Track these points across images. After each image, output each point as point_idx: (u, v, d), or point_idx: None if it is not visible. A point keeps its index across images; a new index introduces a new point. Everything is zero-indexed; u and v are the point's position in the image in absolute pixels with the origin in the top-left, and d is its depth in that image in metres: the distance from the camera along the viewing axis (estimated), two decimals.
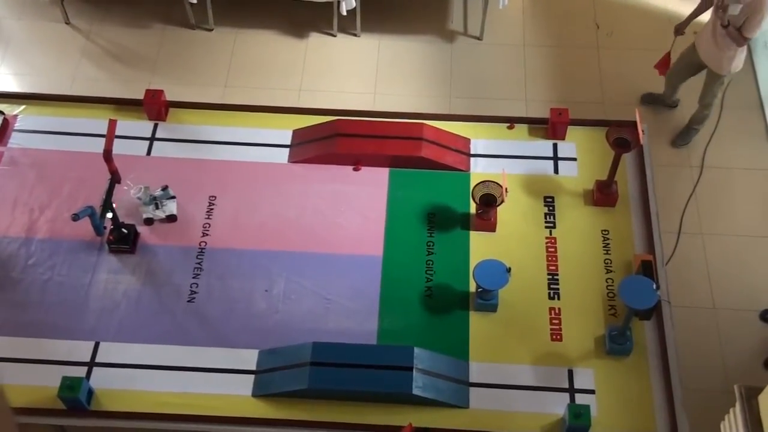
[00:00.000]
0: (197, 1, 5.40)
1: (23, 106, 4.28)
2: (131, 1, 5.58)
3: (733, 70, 4.62)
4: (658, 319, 3.61)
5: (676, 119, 5.20)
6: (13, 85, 5.39)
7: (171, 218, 3.88)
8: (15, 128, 4.18)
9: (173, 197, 3.90)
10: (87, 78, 5.40)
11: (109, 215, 3.66)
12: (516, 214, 3.93)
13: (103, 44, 5.62)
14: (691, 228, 4.76)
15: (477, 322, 3.64)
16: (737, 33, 4.35)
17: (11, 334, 3.54)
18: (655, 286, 3.34)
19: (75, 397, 3.31)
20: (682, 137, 5.10)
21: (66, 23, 5.70)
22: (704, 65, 4.69)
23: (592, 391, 3.47)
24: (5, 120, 4.18)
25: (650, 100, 5.23)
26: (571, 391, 3.47)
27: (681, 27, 4.74)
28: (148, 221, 3.86)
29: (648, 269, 3.56)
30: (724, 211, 4.86)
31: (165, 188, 3.90)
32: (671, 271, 4.28)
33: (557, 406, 3.42)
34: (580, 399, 3.44)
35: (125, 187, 3.88)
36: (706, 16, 4.66)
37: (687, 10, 4.84)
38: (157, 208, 3.87)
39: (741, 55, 4.55)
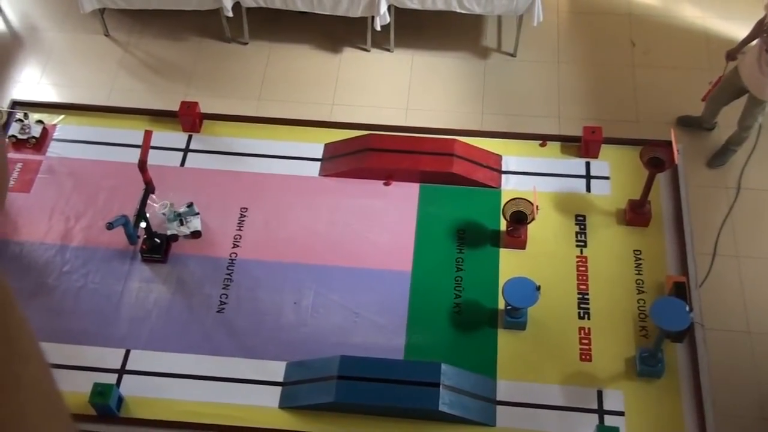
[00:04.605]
0: (233, 15, 5.47)
1: (62, 116, 4.36)
2: (168, 14, 5.67)
3: None
4: (690, 341, 3.55)
5: (713, 140, 5.13)
6: (53, 96, 5.51)
7: (195, 234, 3.90)
8: (54, 138, 4.26)
9: (197, 213, 3.92)
10: (124, 89, 5.49)
11: (143, 225, 3.71)
12: (547, 232, 3.90)
13: (140, 56, 5.72)
14: (727, 250, 4.68)
15: (505, 339, 3.62)
16: None
17: (45, 340, 3.52)
18: (688, 308, 3.29)
19: (105, 404, 3.35)
20: (719, 158, 5.03)
21: (105, 35, 5.81)
22: (746, 89, 4.62)
23: (621, 413, 3.42)
24: (44, 129, 4.26)
25: (687, 123, 5.16)
26: (600, 412, 3.43)
27: (733, 53, 4.67)
28: (173, 237, 3.89)
29: (681, 291, 3.51)
30: (761, 234, 4.78)
31: (190, 205, 3.92)
32: (705, 294, 4.20)
33: (586, 427, 3.37)
34: (610, 421, 3.39)
35: (153, 204, 3.92)
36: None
37: (726, 28, 4.78)
38: (181, 224, 3.89)
39: None
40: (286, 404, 3.46)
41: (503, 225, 3.87)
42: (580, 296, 3.72)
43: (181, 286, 3.79)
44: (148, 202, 3.72)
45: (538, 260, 3.81)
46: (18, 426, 0.77)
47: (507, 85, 5.50)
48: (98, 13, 5.70)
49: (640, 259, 3.83)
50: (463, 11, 5.31)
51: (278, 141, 4.26)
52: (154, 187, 3.72)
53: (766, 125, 5.01)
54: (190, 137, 4.27)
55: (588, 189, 4.06)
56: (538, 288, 3.50)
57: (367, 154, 4.10)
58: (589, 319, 3.66)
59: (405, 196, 4.04)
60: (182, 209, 3.90)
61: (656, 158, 3.72)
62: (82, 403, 3.37)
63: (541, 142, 4.24)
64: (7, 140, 4.16)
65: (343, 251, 3.88)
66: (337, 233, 3.94)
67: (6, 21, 5.97)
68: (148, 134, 3.66)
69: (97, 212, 3.99)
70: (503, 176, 4.10)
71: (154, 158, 3.75)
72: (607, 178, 4.09)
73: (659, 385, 3.48)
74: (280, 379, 3.52)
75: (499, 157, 4.16)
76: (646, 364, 3.48)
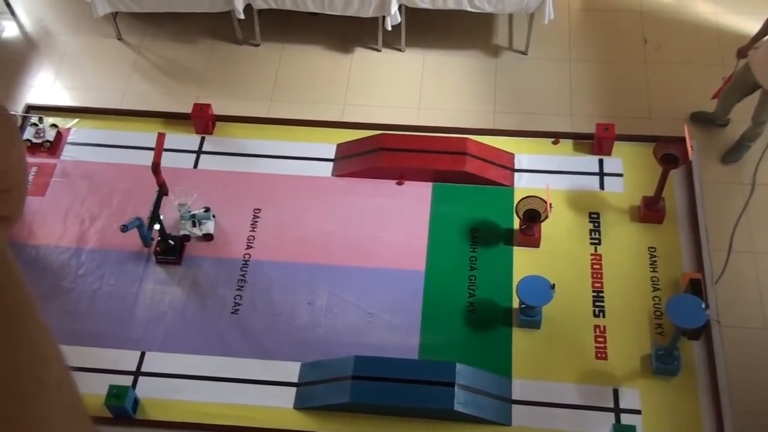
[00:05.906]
0: (245, 17, 5.49)
1: (76, 120, 4.39)
2: (180, 17, 5.70)
3: None
4: (706, 339, 3.53)
5: (727, 136, 5.09)
6: (66, 99, 5.54)
7: (207, 237, 3.91)
8: (68, 141, 4.29)
9: (213, 218, 3.93)
10: (137, 92, 5.52)
11: (157, 227, 3.72)
12: (560, 230, 3.89)
13: (153, 59, 5.75)
14: (742, 246, 4.65)
15: (520, 338, 3.61)
16: None
17: (61, 342, 3.58)
18: (704, 306, 3.27)
19: (121, 406, 3.37)
20: (733, 154, 4.99)
21: (118, 39, 5.84)
22: (759, 85, 4.59)
23: (638, 412, 3.40)
24: (59, 133, 4.29)
25: (700, 119, 5.13)
26: (617, 410, 3.41)
27: (744, 50, 4.65)
28: (185, 238, 3.90)
29: (696, 288, 3.48)
30: None
31: (207, 210, 3.93)
32: (721, 290, 4.17)
33: (602, 425, 3.35)
34: (626, 419, 3.37)
35: (173, 196, 3.93)
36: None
37: (738, 24, 4.75)
38: (194, 225, 3.90)
39: None
40: (300, 405, 3.46)
41: (516, 223, 3.86)
42: (595, 294, 3.71)
43: (196, 287, 3.81)
44: (166, 197, 3.74)
45: (552, 258, 3.80)
46: (42, 431, 0.77)
47: (519, 83, 5.48)
48: (111, 17, 5.72)
49: (654, 256, 3.81)
50: (474, 10, 5.30)
51: (290, 142, 4.27)
52: (168, 189, 3.73)
53: None
54: (202, 139, 4.29)
55: (601, 186, 4.04)
56: (553, 286, 3.49)
57: (379, 153, 4.10)
58: (604, 317, 3.64)
59: (418, 196, 4.04)
60: (197, 211, 3.92)
61: (670, 155, 3.70)
62: (97, 405, 3.38)
63: (553, 139, 4.22)
64: None
65: (357, 251, 3.88)
66: (351, 233, 3.94)
67: (20, 26, 6.01)
68: (161, 137, 3.68)
69: (112, 215, 4.01)
70: (516, 174, 4.09)
71: (167, 160, 3.77)
72: (620, 175, 4.07)
73: (676, 383, 3.46)
74: (295, 380, 3.53)
75: (511, 156, 4.15)
76: (663, 362, 3.46)
